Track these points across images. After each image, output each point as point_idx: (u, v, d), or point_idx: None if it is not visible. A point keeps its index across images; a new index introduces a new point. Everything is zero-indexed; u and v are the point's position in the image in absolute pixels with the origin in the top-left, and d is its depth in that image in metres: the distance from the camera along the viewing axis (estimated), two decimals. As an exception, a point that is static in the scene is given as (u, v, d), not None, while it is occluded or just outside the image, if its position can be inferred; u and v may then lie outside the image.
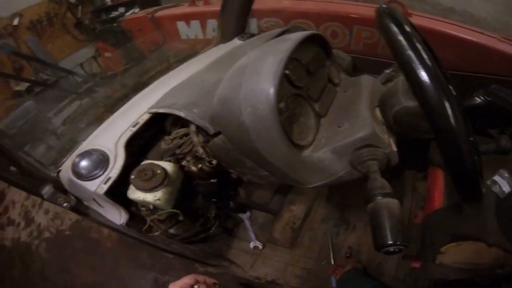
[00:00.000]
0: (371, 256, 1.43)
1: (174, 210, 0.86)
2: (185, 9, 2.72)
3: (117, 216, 0.93)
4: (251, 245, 1.52)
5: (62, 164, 0.95)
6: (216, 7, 2.44)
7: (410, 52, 0.49)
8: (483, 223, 0.82)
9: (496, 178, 0.88)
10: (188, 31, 2.70)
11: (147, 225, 0.91)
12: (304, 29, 1.21)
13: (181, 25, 2.71)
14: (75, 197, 0.95)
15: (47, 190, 0.90)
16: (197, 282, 0.81)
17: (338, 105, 0.77)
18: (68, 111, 3.00)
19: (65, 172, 0.90)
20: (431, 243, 0.94)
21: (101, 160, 0.83)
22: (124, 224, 0.93)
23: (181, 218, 0.91)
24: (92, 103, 2.82)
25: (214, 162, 0.81)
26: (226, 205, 1.16)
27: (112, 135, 0.88)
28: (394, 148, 0.64)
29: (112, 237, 2.63)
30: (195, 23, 2.63)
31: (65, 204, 0.91)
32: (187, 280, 0.79)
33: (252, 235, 1.50)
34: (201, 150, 0.82)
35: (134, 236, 1.15)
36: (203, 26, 2.60)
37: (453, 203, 0.97)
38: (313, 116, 0.71)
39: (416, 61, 0.49)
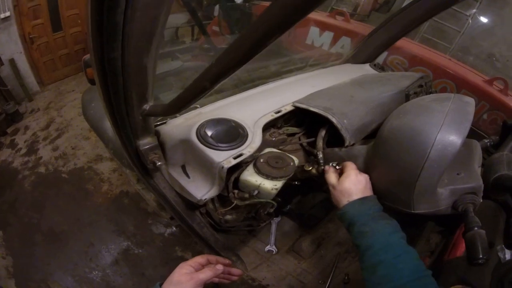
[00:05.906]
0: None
1: (273, 202, 0.86)
2: (324, 18, 2.73)
3: (204, 190, 0.89)
4: (266, 248, 1.53)
5: (166, 119, 0.90)
6: (355, 27, 2.53)
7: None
8: (482, 276, 1.00)
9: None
10: (317, 38, 2.70)
11: (231, 206, 0.89)
12: (429, 77, 1.37)
13: (313, 31, 2.70)
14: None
15: (146, 142, 0.84)
16: (209, 262, 0.84)
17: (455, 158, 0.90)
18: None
19: (173, 129, 0.86)
20: (446, 281, 1.10)
21: (240, 135, 0.81)
22: (206, 199, 0.90)
23: (272, 209, 0.91)
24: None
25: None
26: (283, 206, 1.17)
27: (251, 113, 0.87)
28: (481, 199, 0.82)
29: (108, 195, 2.45)
30: (328, 35, 2.63)
31: (159, 164, 0.85)
32: (199, 259, 0.82)
33: (273, 240, 1.51)
34: (321, 155, 0.86)
35: (180, 211, 1.12)
36: (335, 40, 2.61)
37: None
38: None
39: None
